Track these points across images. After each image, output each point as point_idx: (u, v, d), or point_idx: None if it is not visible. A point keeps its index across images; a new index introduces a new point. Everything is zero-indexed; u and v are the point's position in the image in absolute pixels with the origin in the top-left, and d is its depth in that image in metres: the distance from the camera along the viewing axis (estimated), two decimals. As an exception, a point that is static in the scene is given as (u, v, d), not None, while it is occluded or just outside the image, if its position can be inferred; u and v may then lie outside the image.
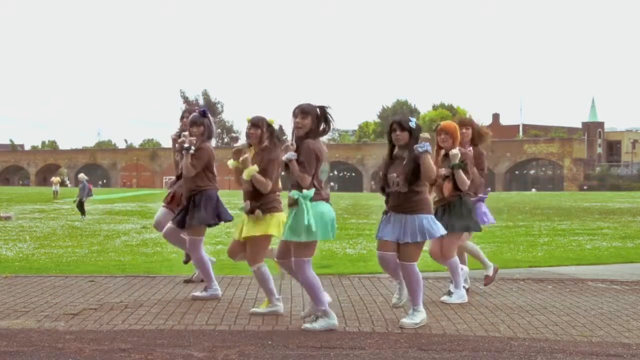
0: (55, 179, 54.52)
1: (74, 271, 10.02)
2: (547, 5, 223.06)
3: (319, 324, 6.09)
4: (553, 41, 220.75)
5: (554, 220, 23.91)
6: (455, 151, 7.07)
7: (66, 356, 5.09)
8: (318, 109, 6.13)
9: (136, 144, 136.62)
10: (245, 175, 6.62)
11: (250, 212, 6.65)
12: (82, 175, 26.87)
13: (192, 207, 7.37)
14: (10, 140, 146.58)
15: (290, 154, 6.01)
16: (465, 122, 7.87)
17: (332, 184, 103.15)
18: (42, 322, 6.29)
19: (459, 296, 7.38)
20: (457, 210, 7.24)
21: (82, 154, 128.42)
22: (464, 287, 7.52)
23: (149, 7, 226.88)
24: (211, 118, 7.63)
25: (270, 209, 6.66)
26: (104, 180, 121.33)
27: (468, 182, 7.16)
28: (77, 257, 11.91)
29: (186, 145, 7.26)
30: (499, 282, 8.70)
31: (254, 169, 6.58)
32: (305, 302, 6.94)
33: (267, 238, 6.74)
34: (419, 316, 6.25)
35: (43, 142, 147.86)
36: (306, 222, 5.90)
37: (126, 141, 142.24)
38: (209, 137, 7.49)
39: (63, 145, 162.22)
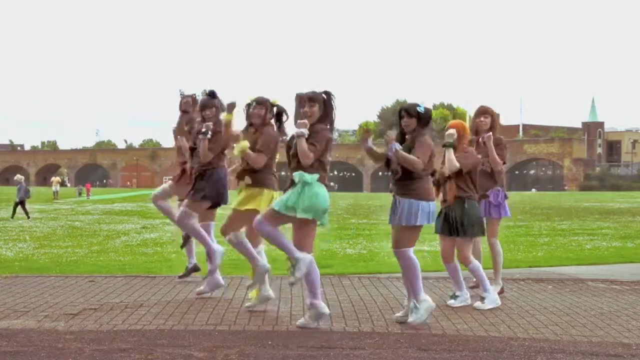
0: (55, 179, 54.37)
1: (74, 271, 10.01)
2: (547, 5, 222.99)
3: (309, 316, 6.14)
4: (553, 41, 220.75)
5: (554, 220, 23.91)
6: (452, 131, 6.96)
7: (66, 356, 5.09)
8: (324, 95, 6.19)
9: (136, 144, 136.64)
10: (235, 151, 6.65)
11: (241, 177, 6.71)
12: (19, 176, 25.89)
13: (199, 182, 7.34)
14: (10, 141, 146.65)
15: (303, 130, 6.01)
16: (484, 111, 7.65)
17: (332, 184, 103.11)
18: (42, 322, 6.28)
19: (491, 300, 7.09)
20: (462, 213, 7.02)
21: (82, 154, 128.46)
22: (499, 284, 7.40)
23: (149, 7, 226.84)
24: (220, 98, 7.55)
25: (262, 183, 6.68)
26: (105, 181, 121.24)
27: (457, 165, 6.91)
28: (77, 257, 11.90)
29: (203, 129, 7.22)
30: (499, 282, 8.69)
31: (245, 144, 6.59)
32: (305, 303, 6.93)
33: (254, 214, 6.67)
34: (423, 306, 6.17)
35: (43, 142, 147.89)
36: (291, 203, 5.95)
37: (126, 141, 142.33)
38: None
39: (63, 145, 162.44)
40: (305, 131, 6.01)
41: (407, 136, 6.32)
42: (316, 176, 6.01)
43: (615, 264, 11.44)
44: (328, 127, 6.19)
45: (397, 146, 6.09)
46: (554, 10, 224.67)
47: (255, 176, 6.70)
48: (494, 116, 7.68)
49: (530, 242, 15.25)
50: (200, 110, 7.41)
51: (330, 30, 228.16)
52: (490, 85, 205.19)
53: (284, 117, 6.79)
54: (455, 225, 7.04)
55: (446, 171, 6.97)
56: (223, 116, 6.91)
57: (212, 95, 7.43)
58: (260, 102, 6.76)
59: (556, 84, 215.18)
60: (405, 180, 6.23)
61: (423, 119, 6.26)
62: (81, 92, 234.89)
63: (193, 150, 7.51)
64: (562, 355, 5.27)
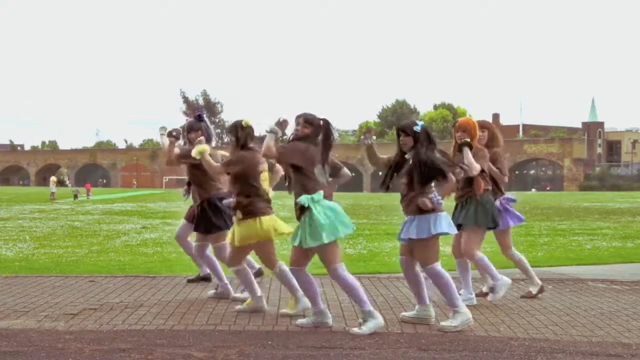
0: (52, 179, 53.31)
1: (74, 271, 10.02)
2: (547, 5, 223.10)
3: (367, 327, 5.94)
4: (553, 41, 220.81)
5: (554, 220, 23.92)
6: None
7: (66, 356, 5.09)
8: (321, 121, 6.15)
9: (136, 144, 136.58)
10: (194, 152, 6.65)
11: (233, 209, 6.67)
12: None
13: (202, 215, 7.40)
14: (10, 141, 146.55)
15: (274, 127, 6.04)
16: (481, 125, 7.56)
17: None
18: (42, 322, 6.29)
19: (502, 285, 7.24)
20: (473, 206, 7.11)
21: (82, 154, 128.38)
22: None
23: (149, 7, 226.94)
24: (208, 121, 7.59)
25: (253, 211, 6.57)
26: (104, 180, 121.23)
27: (477, 167, 6.94)
28: (77, 257, 11.91)
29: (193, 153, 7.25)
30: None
31: (203, 147, 6.59)
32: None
33: (267, 243, 6.68)
34: (459, 318, 6.09)
35: (43, 142, 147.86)
36: (322, 222, 5.88)
37: (126, 141, 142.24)
38: (208, 141, 7.43)
39: (63, 145, 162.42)
40: (277, 129, 6.02)
41: (406, 155, 6.29)
42: (321, 194, 5.99)
43: (615, 264, 11.44)
44: (314, 146, 6.10)
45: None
46: (554, 10, 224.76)
47: (245, 208, 6.59)
48: (491, 130, 7.65)
49: (530, 242, 15.25)
50: (187, 132, 7.42)
51: (330, 30, 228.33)
52: (490, 85, 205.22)
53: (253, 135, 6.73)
54: (466, 217, 7.11)
55: (471, 173, 6.93)
56: (194, 151, 6.80)
57: (199, 118, 7.46)
58: (229, 131, 6.73)
59: (556, 84, 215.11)
60: (412, 197, 6.20)
61: (419, 137, 6.23)
62: (81, 92, 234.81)
63: (190, 184, 7.61)
64: (562, 355, 5.28)
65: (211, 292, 7.58)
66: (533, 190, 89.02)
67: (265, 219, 6.58)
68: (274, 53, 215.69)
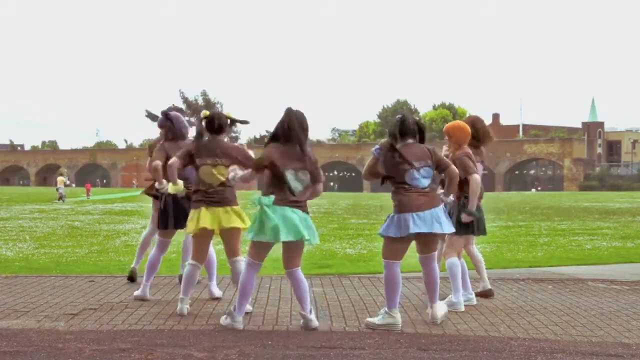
0: (60, 179, 53.02)
1: (74, 271, 10.02)
2: (547, 5, 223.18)
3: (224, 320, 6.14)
4: (553, 41, 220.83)
5: (554, 220, 23.91)
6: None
7: (66, 356, 5.09)
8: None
9: (136, 144, 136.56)
10: (170, 190, 6.82)
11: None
12: None
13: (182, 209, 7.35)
14: (10, 141, 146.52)
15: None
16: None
17: (331, 183, 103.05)
18: (42, 322, 6.29)
19: (453, 304, 7.10)
20: (459, 213, 7.12)
21: (82, 154, 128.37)
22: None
23: (149, 7, 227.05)
24: (177, 117, 7.56)
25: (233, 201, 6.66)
26: (104, 181, 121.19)
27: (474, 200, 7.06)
28: (77, 257, 11.90)
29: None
30: (499, 282, 8.70)
31: (179, 187, 6.77)
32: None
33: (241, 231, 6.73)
34: (385, 319, 6.11)
35: (43, 142, 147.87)
36: (271, 225, 5.86)
37: (126, 141, 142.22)
38: (174, 138, 7.44)
39: (63, 145, 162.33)
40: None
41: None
42: (272, 199, 5.92)
43: (615, 264, 11.44)
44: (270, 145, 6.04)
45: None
46: (554, 10, 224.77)
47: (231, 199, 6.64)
48: (478, 130, 7.63)
49: (530, 242, 15.25)
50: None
51: (330, 30, 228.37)
52: (490, 85, 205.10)
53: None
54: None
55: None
56: (171, 189, 6.84)
57: (165, 117, 7.49)
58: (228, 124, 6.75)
59: (556, 84, 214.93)
60: (391, 194, 6.31)
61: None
62: (81, 92, 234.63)
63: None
64: (562, 355, 5.28)
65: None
66: (533, 190, 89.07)
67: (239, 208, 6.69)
68: (274, 53, 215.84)
